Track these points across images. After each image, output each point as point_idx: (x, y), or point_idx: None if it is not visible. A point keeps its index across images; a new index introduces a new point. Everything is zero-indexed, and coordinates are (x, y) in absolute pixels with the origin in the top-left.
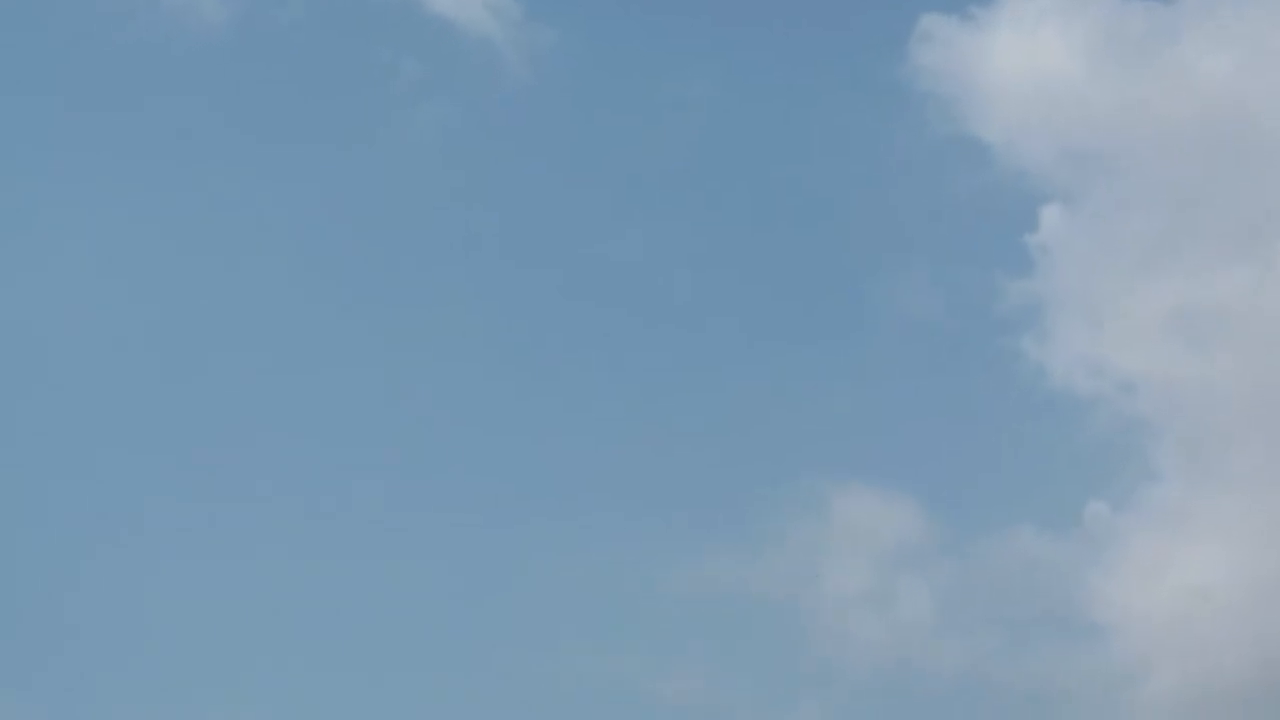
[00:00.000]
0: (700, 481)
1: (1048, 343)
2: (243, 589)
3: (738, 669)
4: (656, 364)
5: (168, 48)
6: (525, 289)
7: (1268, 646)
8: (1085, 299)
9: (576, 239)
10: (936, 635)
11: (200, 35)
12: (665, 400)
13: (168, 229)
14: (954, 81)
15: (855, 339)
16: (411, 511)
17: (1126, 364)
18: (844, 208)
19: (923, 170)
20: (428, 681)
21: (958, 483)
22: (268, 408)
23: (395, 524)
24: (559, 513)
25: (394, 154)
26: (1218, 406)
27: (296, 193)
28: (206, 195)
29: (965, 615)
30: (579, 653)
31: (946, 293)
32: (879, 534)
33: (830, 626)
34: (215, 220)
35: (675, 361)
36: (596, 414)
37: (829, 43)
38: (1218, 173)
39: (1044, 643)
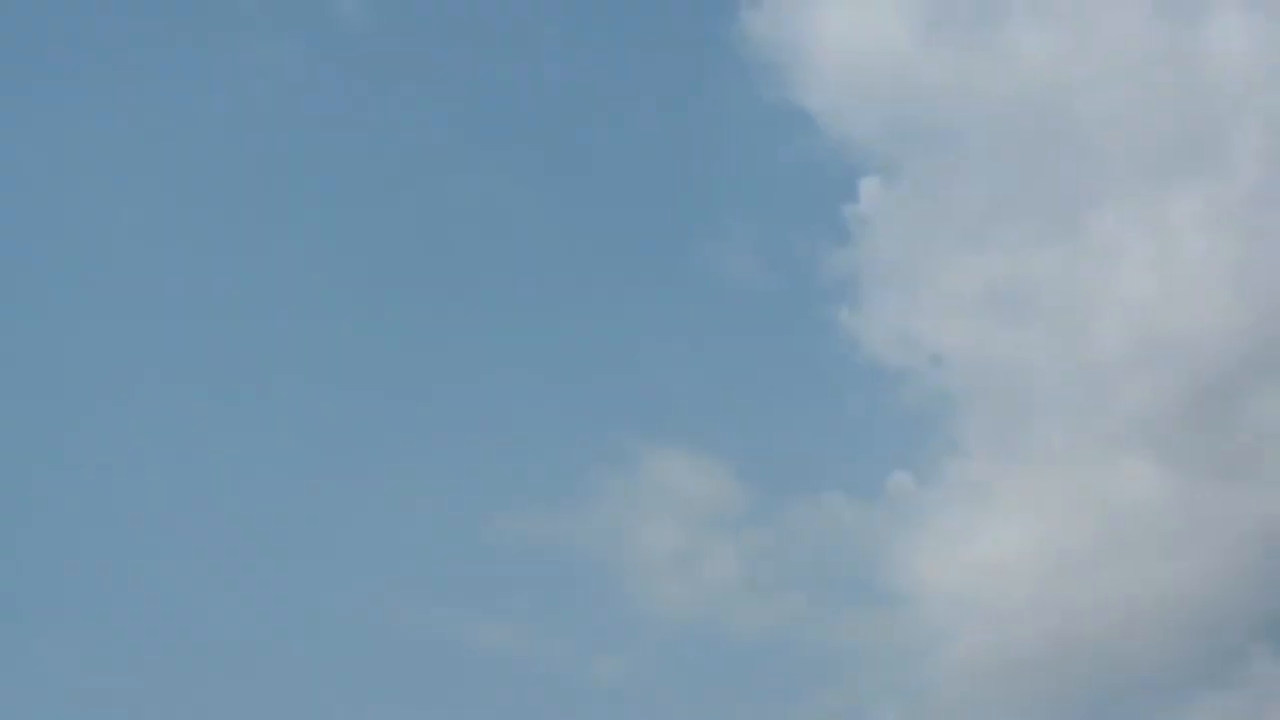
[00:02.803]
0: (515, 434)
1: (862, 313)
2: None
3: (551, 621)
4: (477, 315)
5: None
6: (353, 231)
7: (1062, 619)
8: (900, 271)
9: (406, 183)
10: (742, 597)
11: None
12: (482, 351)
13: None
14: (782, 48)
15: (673, 300)
16: (224, 451)
17: (937, 338)
18: (669, 168)
19: (748, 135)
20: (239, 625)
21: (767, 448)
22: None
23: (214, 463)
24: (375, 460)
25: (232, 90)
26: (1025, 383)
27: (135, 129)
28: (50, 128)
29: (771, 578)
30: (394, 601)
31: (766, 259)
32: (689, 495)
33: (639, 584)
34: (60, 150)
35: (495, 314)
36: (414, 364)
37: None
38: (1037, 152)
39: (846, 608)
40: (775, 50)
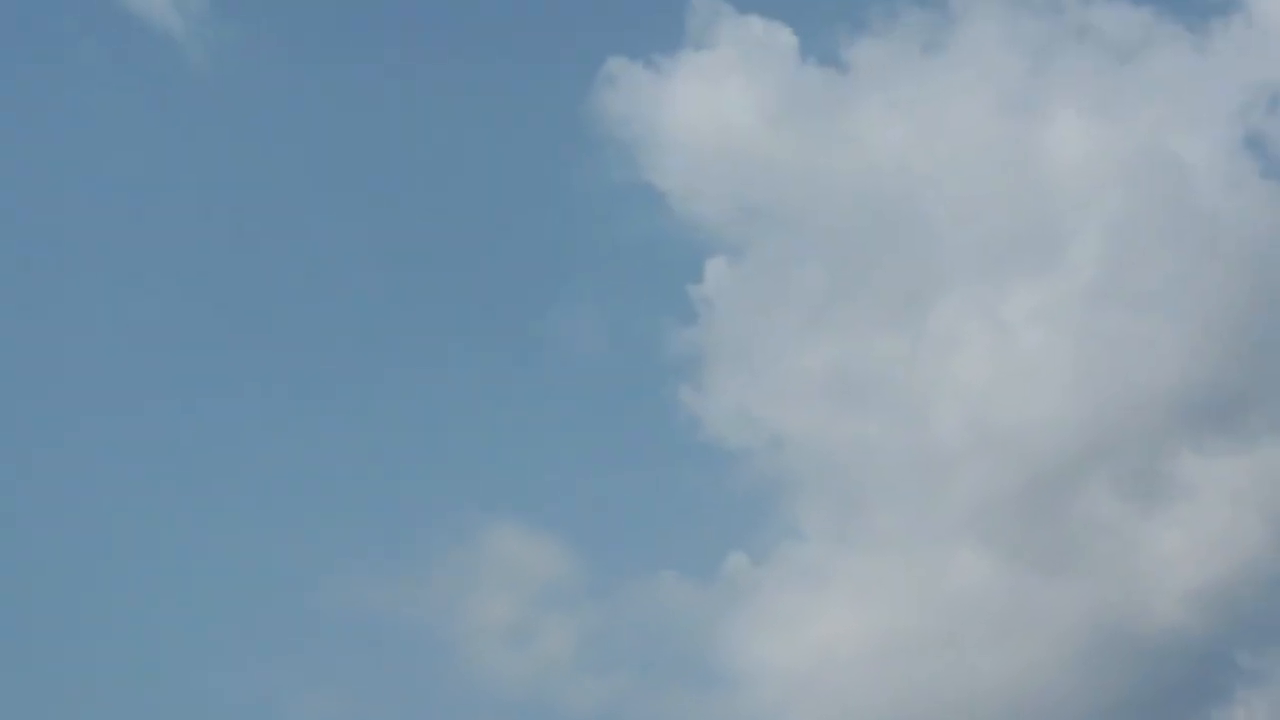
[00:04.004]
0: (355, 501)
1: (704, 393)
2: None
3: (378, 691)
4: (314, 378)
5: None
6: (198, 287)
7: (893, 705)
8: (743, 353)
9: (248, 238)
10: (576, 674)
11: None
12: (317, 413)
13: None
14: (635, 127)
15: (516, 374)
16: (49, 507)
17: (778, 420)
18: (516, 243)
19: (598, 212)
20: (57, 685)
21: (606, 526)
22: None
23: (38, 517)
24: (196, 514)
25: (69, 138)
26: (862, 469)
27: None
28: None
29: (605, 656)
30: (211, 664)
31: (612, 337)
32: (526, 570)
33: (473, 657)
34: None
35: (333, 379)
36: (245, 421)
37: (517, 73)
38: (880, 239)
39: (679, 688)
40: (627, 129)
